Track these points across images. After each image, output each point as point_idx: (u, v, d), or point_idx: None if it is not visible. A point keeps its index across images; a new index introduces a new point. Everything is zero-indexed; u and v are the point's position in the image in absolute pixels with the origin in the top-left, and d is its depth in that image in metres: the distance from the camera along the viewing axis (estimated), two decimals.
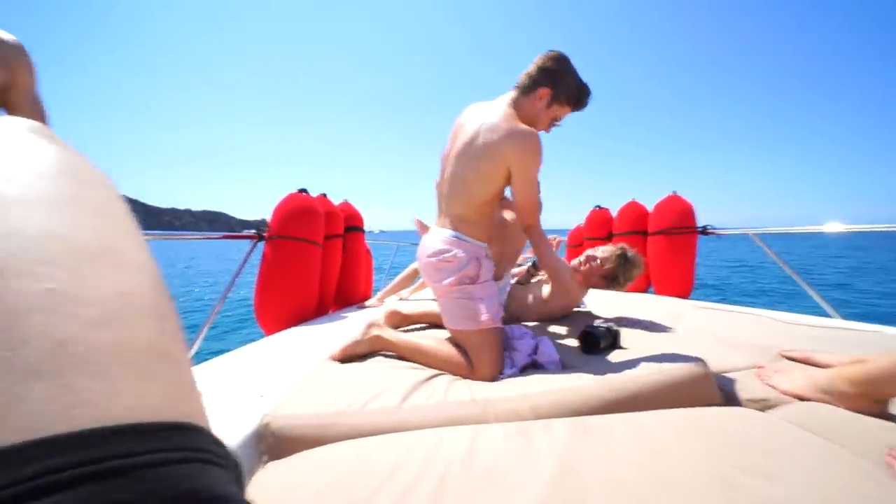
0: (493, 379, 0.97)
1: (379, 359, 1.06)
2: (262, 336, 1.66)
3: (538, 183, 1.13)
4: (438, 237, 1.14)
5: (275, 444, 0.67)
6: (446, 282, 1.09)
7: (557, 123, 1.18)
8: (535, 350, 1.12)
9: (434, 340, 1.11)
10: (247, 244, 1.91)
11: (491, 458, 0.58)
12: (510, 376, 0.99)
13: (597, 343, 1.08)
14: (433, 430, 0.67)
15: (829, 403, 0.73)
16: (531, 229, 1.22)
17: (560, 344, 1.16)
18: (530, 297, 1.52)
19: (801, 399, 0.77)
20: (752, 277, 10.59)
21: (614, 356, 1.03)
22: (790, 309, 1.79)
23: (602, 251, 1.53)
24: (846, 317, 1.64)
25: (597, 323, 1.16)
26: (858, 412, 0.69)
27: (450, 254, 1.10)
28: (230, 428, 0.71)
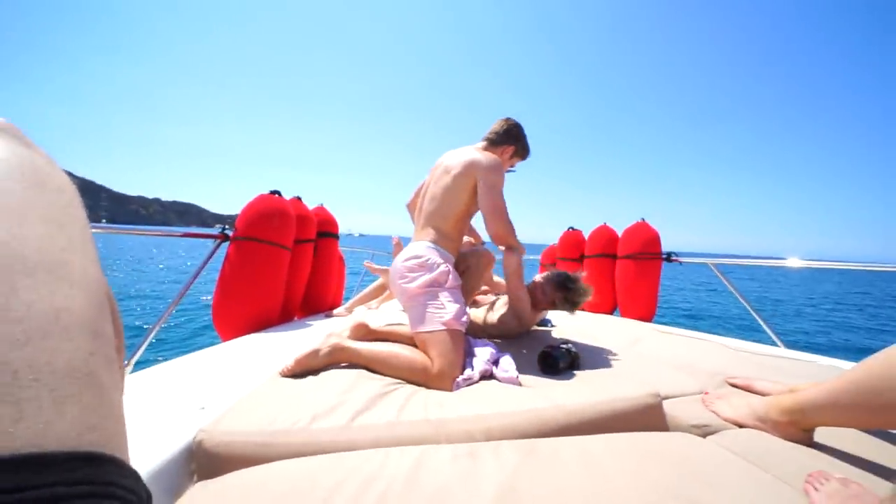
0: (453, 382, 1.01)
1: (335, 371, 1.03)
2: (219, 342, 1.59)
3: (502, 194, 1.29)
4: (417, 246, 1.29)
5: (207, 462, 0.64)
6: (417, 283, 1.19)
7: (513, 169, 1.53)
8: (497, 361, 1.14)
9: (396, 346, 1.12)
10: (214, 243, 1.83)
11: (435, 480, 0.58)
12: (469, 380, 1.03)
13: (556, 364, 1.10)
14: (381, 449, 0.66)
15: (764, 431, 0.78)
16: (510, 255, 1.35)
17: (520, 362, 1.17)
18: (484, 317, 1.57)
19: (739, 426, 0.82)
20: (723, 304, 11.12)
21: (572, 378, 1.05)
22: (752, 335, 1.90)
23: (541, 277, 1.56)
24: (789, 346, 1.76)
25: (558, 343, 1.19)
26: (788, 440, 0.74)
27: (424, 258, 1.24)
28: (160, 443, 0.67)
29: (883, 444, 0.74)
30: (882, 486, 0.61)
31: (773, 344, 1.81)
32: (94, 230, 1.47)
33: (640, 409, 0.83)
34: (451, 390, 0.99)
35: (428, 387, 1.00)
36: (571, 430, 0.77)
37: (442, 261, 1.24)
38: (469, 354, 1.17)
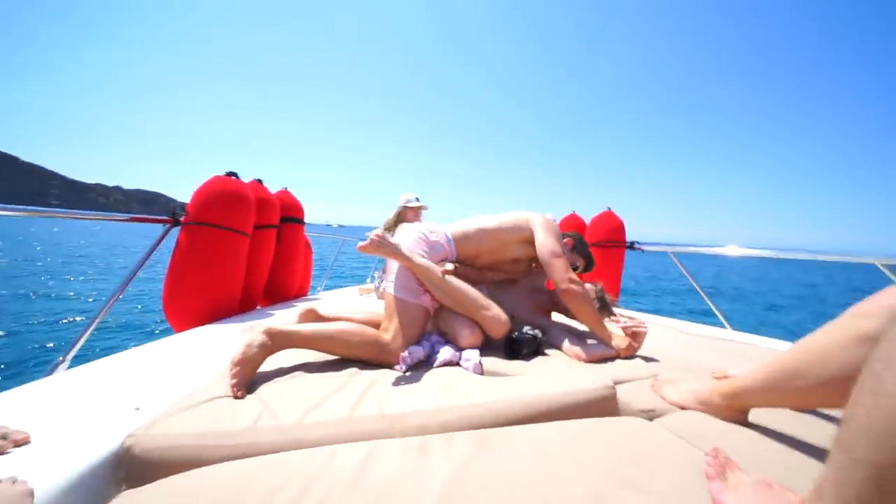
0: (400, 357, 1.04)
1: (286, 366, 0.98)
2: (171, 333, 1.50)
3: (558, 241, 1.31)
4: (443, 228, 1.36)
5: (137, 469, 0.59)
6: (424, 253, 1.22)
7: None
8: (460, 357, 1.14)
9: (341, 323, 1.06)
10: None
11: (382, 476, 0.56)
12: (416, 358, 1.06)
13: (520, 350, 1.12)
14: (329, 447, 0.63)
15: (706, 413, 0.82)
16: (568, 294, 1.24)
17: (483, 346, 1.18)
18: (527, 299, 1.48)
19: (683, 409, 0.86)
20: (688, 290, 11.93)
21: (534, 364, 1.07)
22: (710, 319, 2.06)
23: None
24: (736, 328, 1.88)
25: (524, 329, 1.20)
26: (725, 420, 0.78)
27: (436, 236, 1.31)
28: (86, 448, 0.61)
29: (810, 420, 0.80)
30: (804, 460, 0.65)
31: (722, 326, 1.94)
32: (30, 212, 1.34)
33: (596, 400, 0.83)
34: (395, 364, 1.02)
35: (375, 360, 1.03)
36: (529, 422, 0.76)
37: (444, 249, 1.30)
38: (437, 342, 1.17)
